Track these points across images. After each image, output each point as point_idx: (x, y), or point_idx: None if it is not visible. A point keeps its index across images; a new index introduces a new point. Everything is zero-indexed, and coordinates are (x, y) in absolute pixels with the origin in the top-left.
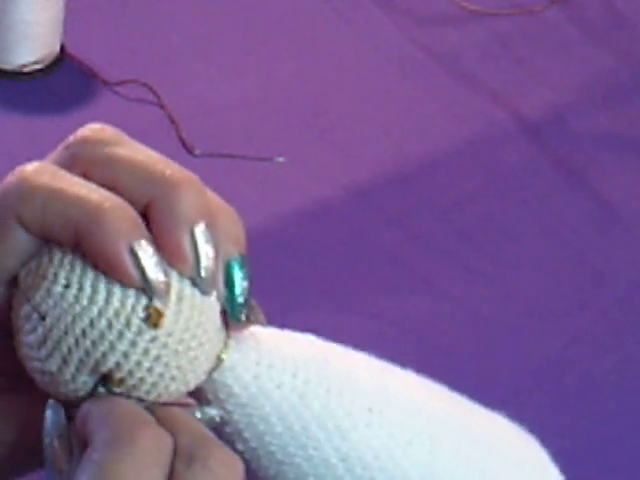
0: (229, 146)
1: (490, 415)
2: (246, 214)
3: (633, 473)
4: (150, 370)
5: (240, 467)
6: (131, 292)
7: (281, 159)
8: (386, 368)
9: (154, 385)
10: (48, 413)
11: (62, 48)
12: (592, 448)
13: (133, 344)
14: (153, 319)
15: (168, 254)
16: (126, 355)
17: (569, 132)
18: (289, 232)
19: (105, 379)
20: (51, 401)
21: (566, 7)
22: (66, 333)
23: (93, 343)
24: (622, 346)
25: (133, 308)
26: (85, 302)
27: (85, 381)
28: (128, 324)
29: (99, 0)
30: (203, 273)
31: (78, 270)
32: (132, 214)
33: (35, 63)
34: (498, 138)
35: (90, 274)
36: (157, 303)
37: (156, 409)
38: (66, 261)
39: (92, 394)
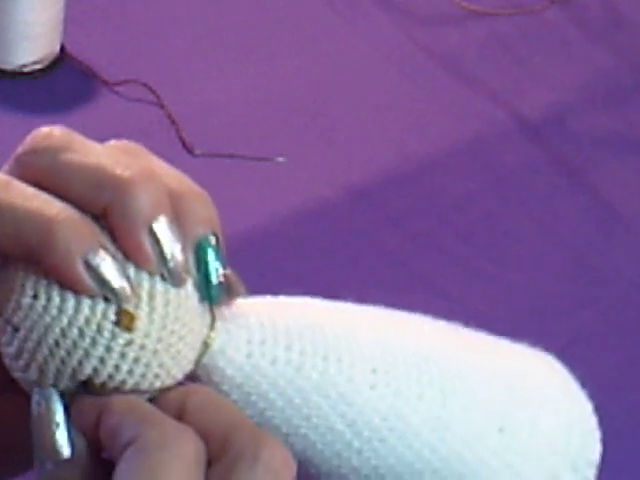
0: (229, 146)
1: (511, 349)
2: (246, 214)
3: (633, 473)
4: (130, 372)
5: (294, 464)
6: (99, 298)
7: (281, 159)
8: (391, 318)
9: (137, 384)
10: (35, 402)
11: (62, 48)
12: None
13: (108, 349)
14: (125, 322)
15: (131, 256)
16: (102, 361)
17: (569, 132)
18: (289, 232)
19: (86, 384)
20: (37, 389)
21: (566, 7)
22: (39, 344)
23: (67, 352)
24: (622, 346)
25: (104, 314)
26: (54, 312)
27: (68, 386)
28: (100, 330)
29: (99, 0)
30: (170, 267)
31: (44, 280)
32: (85, 224)
33: (35, 63)
34: (498, 138)
35: (55, 286)
36: (127, 307)
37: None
38: (31, 271)
39: (72, 396)
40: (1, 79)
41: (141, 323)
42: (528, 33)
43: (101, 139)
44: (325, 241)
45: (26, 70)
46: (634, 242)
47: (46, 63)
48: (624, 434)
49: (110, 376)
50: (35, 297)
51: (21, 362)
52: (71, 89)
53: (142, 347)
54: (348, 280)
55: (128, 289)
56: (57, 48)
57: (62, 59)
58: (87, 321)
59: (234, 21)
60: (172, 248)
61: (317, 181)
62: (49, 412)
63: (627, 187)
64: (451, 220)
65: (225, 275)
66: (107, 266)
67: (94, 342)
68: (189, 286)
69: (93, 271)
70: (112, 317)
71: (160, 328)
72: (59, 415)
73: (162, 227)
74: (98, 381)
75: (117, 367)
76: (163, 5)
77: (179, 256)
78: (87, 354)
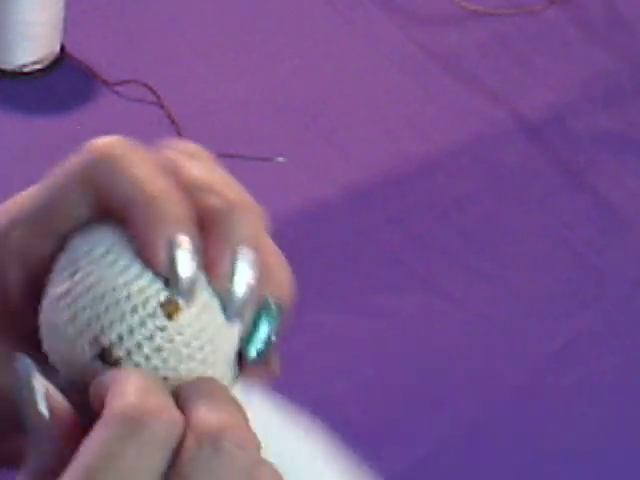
0: (229, 146)
1: None
2: None
3: (633, 473)
4: (148, 358)
5: (257, 447)
6: (162, 280)
7: (281, 159)
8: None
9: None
10: (19, 368)
11: (62, 48)
12: (592, 448)
13: (142, 323)
14: (170, 310)
15: (211, 267)
16: (131, 331)
17: (569, 132)
18: (289, 232)
19: (103, 355)
20: (20, 357)
21: (566, 7)
22: (88, 291)
23: (106, 308)
24: (622, 346)
25: (157, 292)
26: (116, 270)
27: (83, 348)
28: (145, 303)
29: (99, 0)
30: (235, 296)
31: (121, 245)
32: (187, 212)
33: (35, 63)
34: (498, 138)
35: (131, 253)
36: (179, 299)
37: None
38: (112, 234)
39: (85, 367)
40: (1, 79)
41: (182, 320)
42: (528, 33)
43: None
44: (325, 241)
45: (26, 70)
46: (634, 242)
47: (46, 63)
48: (624, 434)
49: (128, 352)
50: (107, 253)
51: (61, 303)
52: (71, 89)
53: (170, 340)
54: (348, 280)
55: (191, 285)
56: (57, 48)
57: (62, 59)
58: (140, 290)
59: (234, 21)
60: (246, 282)
61: (317, 181)
62: (29, 378)
63: (627, 187)
64: (451, 220)
65: (268, 350)
66: (185, 255)
67: (134, 310)
68: (235, 330)
69: (172, 252)
70: (162, 299)
71: (194, 336)
72: (37, 381)
73: (247, 258)
74: (116, 354)
75: (139, 346)
76: (163, 5)
77: (246, 293)
78: (122, 318)
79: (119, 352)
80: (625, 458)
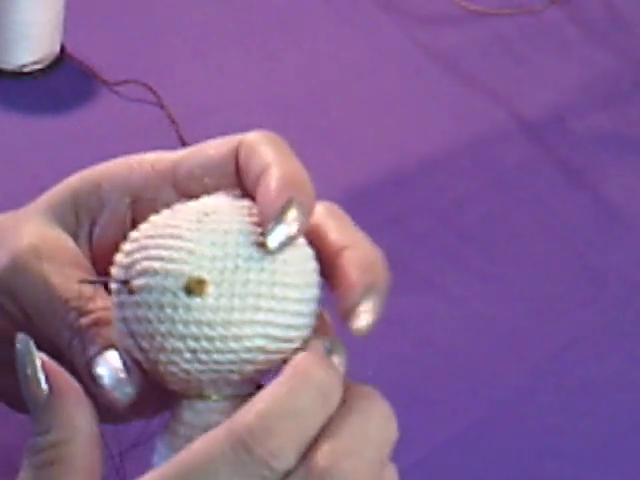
0: None
1: None
2: None
3: (633, 473)
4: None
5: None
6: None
7: None
8: None
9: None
10: (19, 347)
11: (62, 48)
12: (592, 448)
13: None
14: (199, 288)
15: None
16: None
17: (569, 132)
18: None
19: (189, 288)
20: (20, 335)
21: (566, 7)
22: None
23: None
24: (622, 346)
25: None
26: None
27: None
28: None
29: (99, 0)
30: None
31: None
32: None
33: (35, 63)
34: (498, 138)
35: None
36: (269, 239)
37: None
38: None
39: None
40: (1, 79)
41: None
42: (528, 33)
43: (101, 139)
44: None
45: (26, 70)
46: (634, 242)
47: (46, 63)
48: (624, 434)
49: (220, 291)
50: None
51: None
52: (71, 89)
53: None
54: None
55: (284, 240)
56: (57, 48)
57: (62, 59)
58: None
59: (234, 21)
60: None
61: (317, 181)
62: (29, 355)
63: (627, 187)
64: (451, 220)
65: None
66: (295, 217)
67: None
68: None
69: (288, 210)
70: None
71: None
72: (36, 357)
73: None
74: (207, 289)
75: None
76: (163, 5)
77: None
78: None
79: (207, 288)
80: (626, 458)
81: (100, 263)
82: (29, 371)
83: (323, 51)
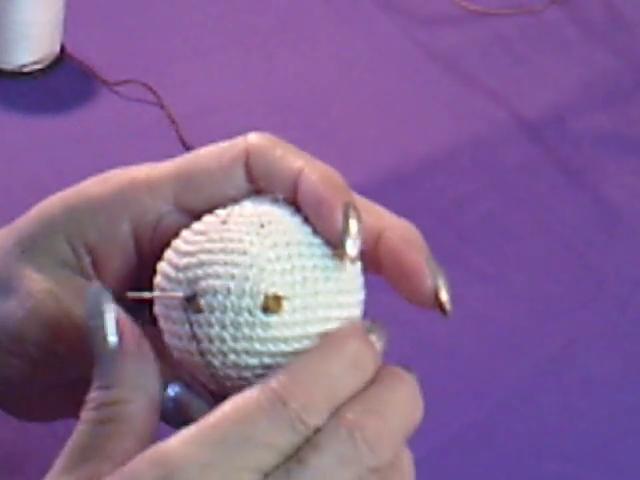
0: None
1: None
2: None
3: (633, 473)
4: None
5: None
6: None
7: None
8: None
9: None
10: (91, 295)
11: (62, 48)
12: (592, 448)
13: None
14: (273, 305)
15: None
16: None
17: (569, 132)
18: None
19: (266, 306)
20: (95, 283)
21: (566, 7)
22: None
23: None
24: (622, 346)
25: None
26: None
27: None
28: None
29: (99, 0)
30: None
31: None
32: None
33: (35, 63)
34: (498, 138)
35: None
36: (348, 248)
37: None
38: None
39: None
40: (1, 79)
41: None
42: (528, 33)
43: (101, 139)
44: None
45: (26, 70)
46: (634, 242)
47: (46, 63)
48: (624, 434)
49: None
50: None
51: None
52: (71, 89)
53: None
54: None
55: (354, 256)
56: (57, 48)
57: (62, 59)
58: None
59: (234, 21)
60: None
61: None
62: (100, 305)
63: (627, 187)
64: (451, 220)
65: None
66: (355, 224)
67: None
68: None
69: (347, 214)
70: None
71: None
72: (108, 307)
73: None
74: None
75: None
76: (163, 5)
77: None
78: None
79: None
80: (626, 458)
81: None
82: (99, 321)
83: (323, 51)
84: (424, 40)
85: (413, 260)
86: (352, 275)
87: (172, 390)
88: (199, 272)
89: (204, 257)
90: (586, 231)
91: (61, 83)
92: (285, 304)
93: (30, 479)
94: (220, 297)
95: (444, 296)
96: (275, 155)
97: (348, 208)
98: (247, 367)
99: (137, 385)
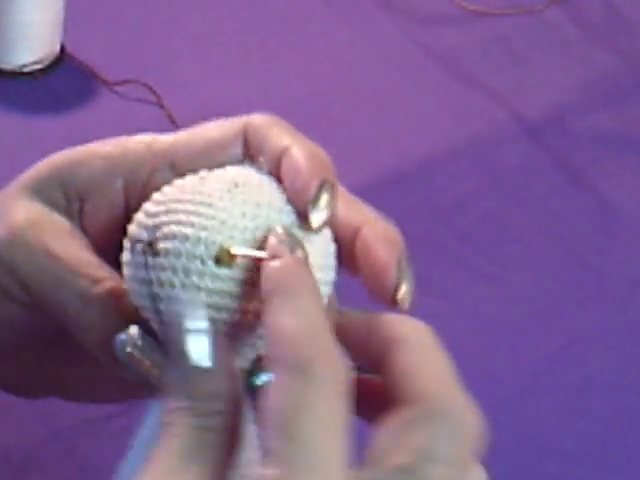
0: None
1: None
2: None
3: (633, 473)
4: None
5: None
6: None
7: None
8: None
9: None
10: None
11: (62, 48)
12: (592, 448)
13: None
14: (226, 258)
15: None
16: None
17: (569, 132)
18: None
19: (219, 258)
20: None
21: (566, 7)
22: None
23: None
24: (622, 346)
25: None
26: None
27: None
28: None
29: (99, 0)
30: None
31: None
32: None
33: (35, 63)
34: (498, 138)
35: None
36: (313, 218)
37: None
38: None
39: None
40: (1, 79)
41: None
42: (528, 33)
43: (101, 139)
44: None
45: (26, 70)
46: (634, 242)
47: (46, 63)
48: (624, 434)
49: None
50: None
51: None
52: (71, 89)
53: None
54: (348, 280)
55: (316, 227)
56: (57, 48)
57: (62, 59)
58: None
59: (234, 21)
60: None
61: None
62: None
63: (627, 187)
64: (451, 220)
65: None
66: (327, 201)
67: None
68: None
69: (320, 192)
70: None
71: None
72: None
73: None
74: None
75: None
76: (163, 5)
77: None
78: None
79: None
80: (626, 458)
81: (92, 242)
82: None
83: (323, 51)
84: (424, 40)
85: (382, 256)
86: (319, 249)
87: (125, 334)
88: (164, 218)
89: (173, 205)
90: (586, 231)
91: (61, 83)
92: (239, 260)
93: (30, 479)
94: (177, 242)
95: (400, 294)
96: (269, 132)
97: (324, 183)
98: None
99: (237, 398)
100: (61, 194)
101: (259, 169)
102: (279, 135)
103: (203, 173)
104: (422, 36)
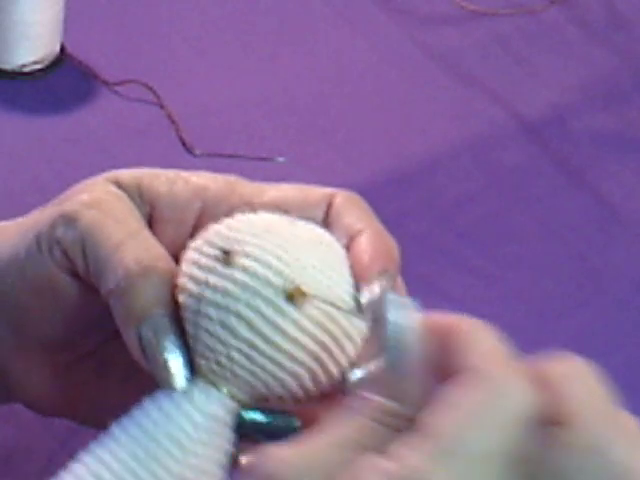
0: (229, 146)
1: None
2: None
3: None
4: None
5: None
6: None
7: (281, 159)
8: None
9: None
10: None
11: (62, 48)
12: None
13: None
14: (299, 294)
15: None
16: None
17: (569, 132)
18: None
19: (291, 295)
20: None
21: (566, 7)
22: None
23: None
24: (622, 347)
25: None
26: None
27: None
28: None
29: (99, 0)
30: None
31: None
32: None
33: (35, 63)
34: (498, 138)
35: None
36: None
37: None
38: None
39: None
40: (1, 79)
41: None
42: (528, 33)
43: (101, 139)
44: None
45: (26, 70)
46: (634, 242)
47: (46, 63)
48: None
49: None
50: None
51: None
52: (71, 89)
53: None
54: None
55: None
56: (57, 48)
57: (62, 59)
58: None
59: (234, 21)
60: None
61: (317, 181)
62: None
63: (627, 187)
64: (451, 220)
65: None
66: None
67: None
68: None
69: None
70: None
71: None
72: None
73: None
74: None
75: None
76: (163, 5)
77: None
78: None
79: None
80: None
81: None
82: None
83: (323, 51)
84: (424, 40)
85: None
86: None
87: (158, 316)
88: (248, 238)
89: (259, 231)
90: (586, 231)
91: (61, 83)
92: (307, 304)
93: (30, 479)
94: (258, 266)
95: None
96: (349, 210)
97: (383, 271)
98: (234, 333)
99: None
100: (136, 190)
101: (338, 239)
102: (357, 217)
103: (292, 217)
104: (422, 36)
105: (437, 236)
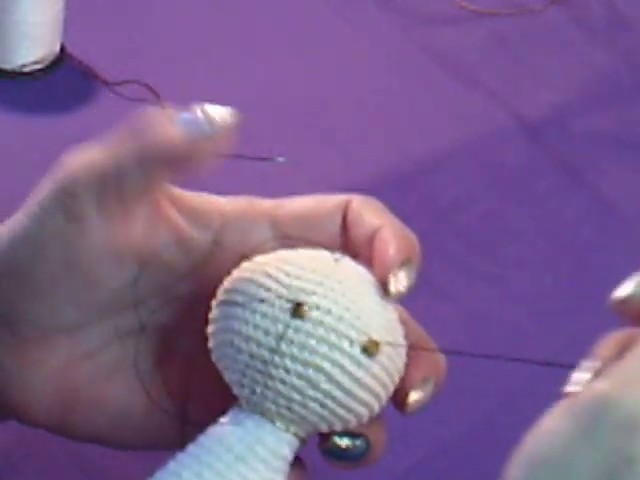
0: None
1: None
2: None
3: None
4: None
5: None
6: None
7: (281, 159)
8: None
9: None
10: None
11: (62, 48)
12: None
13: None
14: (372, 348)
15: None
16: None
17: (569, 132)
18: None
19: (367, 348)
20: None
21: (566, 7)
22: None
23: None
24: None
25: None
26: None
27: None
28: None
29: (99, 0)
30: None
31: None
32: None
33: (35, 63)
34: (498, 138)
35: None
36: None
37: None
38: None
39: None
40: (1, 79)
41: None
42: (528, 33)
43: (101, 139)
44: None
45: (26, 70)
46: (634, 242)
47: (46, 63)
48: None
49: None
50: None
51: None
52: (71, 89)
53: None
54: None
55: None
56: (57, 48)
57: (62, 59)
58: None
59: (234, 21)
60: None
61: (317, 181)
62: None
63: (627, 187)
64: (451, 220)
65: None
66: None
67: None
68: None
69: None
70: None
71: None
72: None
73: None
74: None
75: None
76: (163, 5)
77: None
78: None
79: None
80: None
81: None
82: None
83: (323, 51)
84: (424, 40)
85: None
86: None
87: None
88: (312, 287)
89: (319, 279)
90: (586, 231)
91: (61, 83)
92: (379, 355)
93: (30, 479)
94: (331, 319)
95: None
96: (365, 211)
97: (406, 259)
98: (312, 384)
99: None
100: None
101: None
102: (376, 215)
103: (337, 255)
104: (422, 36)
105: (437, 236)
